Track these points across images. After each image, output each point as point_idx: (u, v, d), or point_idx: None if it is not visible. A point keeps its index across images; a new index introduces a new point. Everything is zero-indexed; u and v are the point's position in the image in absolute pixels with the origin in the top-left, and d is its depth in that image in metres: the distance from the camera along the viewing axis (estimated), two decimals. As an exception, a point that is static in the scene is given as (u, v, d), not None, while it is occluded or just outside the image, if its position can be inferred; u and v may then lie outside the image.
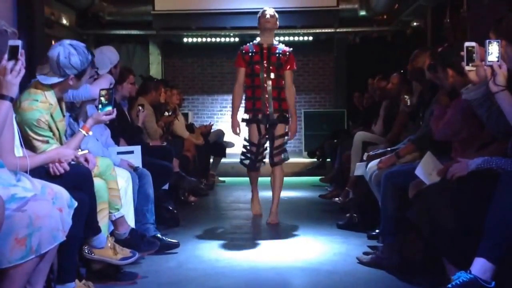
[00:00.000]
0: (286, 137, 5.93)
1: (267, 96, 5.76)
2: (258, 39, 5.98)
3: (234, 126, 5.93)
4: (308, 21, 10.94)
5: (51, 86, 3.63)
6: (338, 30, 11.22)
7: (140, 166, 4.88)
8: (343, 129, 10.30)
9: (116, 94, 5.56)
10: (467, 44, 3.07)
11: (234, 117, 5.97)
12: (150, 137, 6.49)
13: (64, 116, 3.79)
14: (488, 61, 2.95)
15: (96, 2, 10.39)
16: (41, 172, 3.33)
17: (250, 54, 5.85)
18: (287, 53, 5.85)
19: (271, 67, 5.79)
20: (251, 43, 5.98)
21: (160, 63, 12.43)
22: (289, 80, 5.86)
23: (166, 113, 7.36)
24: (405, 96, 5.40)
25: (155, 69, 12.23)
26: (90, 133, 3.82)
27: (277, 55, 5.82)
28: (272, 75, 5.78)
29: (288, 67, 5.85)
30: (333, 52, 12.40)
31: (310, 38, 11.86)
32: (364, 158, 5.24)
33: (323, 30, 11.46)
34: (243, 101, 6.05)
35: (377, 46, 11.40)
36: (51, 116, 3.60)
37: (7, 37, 2.88)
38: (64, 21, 9.71)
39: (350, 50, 12.10)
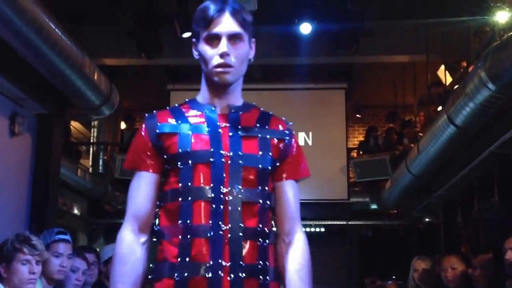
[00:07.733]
0: None
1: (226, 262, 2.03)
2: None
3: None
4: (320, 213, 10.94)
5: None
6: (349, 222, 11.20)
7: None
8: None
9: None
10: None
11: None
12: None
13: None
14: None
15: (109, 192, 10.52)
16: None
17: (170, 132, 2.14)
18: (287, 132, 2.23)
19: (235, 171, 2.08)
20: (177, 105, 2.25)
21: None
22: (288, 208, 2.21)
23: None
24: None
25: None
26: None
27: (255, 136, 2.16)
28: (241, 195, 2.07)
29: (287, 174, 2.22)
30: (345, 243, 12.30)
31: (322, 229, 11.83)
32: None
33: (334, 222, 11.44)
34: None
35: (390, 239, 11.31)
36: None
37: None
38: (76, 211, 9.77)
39: (362, 243, 11.99)
